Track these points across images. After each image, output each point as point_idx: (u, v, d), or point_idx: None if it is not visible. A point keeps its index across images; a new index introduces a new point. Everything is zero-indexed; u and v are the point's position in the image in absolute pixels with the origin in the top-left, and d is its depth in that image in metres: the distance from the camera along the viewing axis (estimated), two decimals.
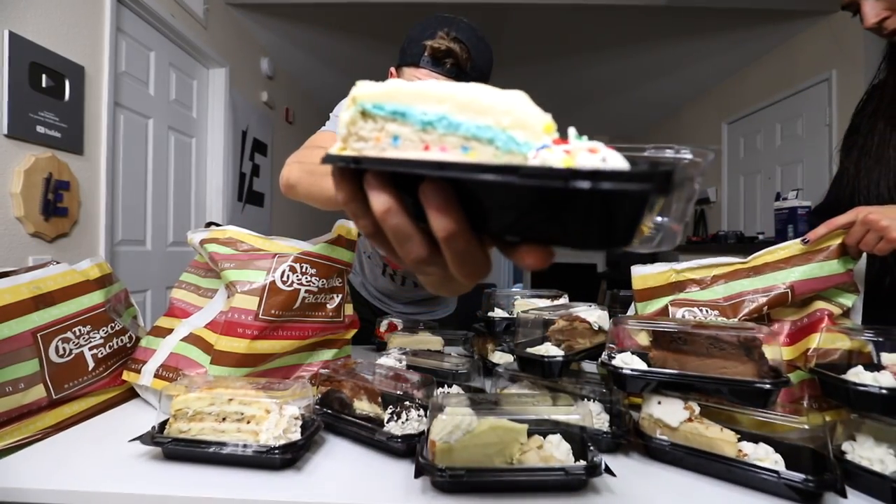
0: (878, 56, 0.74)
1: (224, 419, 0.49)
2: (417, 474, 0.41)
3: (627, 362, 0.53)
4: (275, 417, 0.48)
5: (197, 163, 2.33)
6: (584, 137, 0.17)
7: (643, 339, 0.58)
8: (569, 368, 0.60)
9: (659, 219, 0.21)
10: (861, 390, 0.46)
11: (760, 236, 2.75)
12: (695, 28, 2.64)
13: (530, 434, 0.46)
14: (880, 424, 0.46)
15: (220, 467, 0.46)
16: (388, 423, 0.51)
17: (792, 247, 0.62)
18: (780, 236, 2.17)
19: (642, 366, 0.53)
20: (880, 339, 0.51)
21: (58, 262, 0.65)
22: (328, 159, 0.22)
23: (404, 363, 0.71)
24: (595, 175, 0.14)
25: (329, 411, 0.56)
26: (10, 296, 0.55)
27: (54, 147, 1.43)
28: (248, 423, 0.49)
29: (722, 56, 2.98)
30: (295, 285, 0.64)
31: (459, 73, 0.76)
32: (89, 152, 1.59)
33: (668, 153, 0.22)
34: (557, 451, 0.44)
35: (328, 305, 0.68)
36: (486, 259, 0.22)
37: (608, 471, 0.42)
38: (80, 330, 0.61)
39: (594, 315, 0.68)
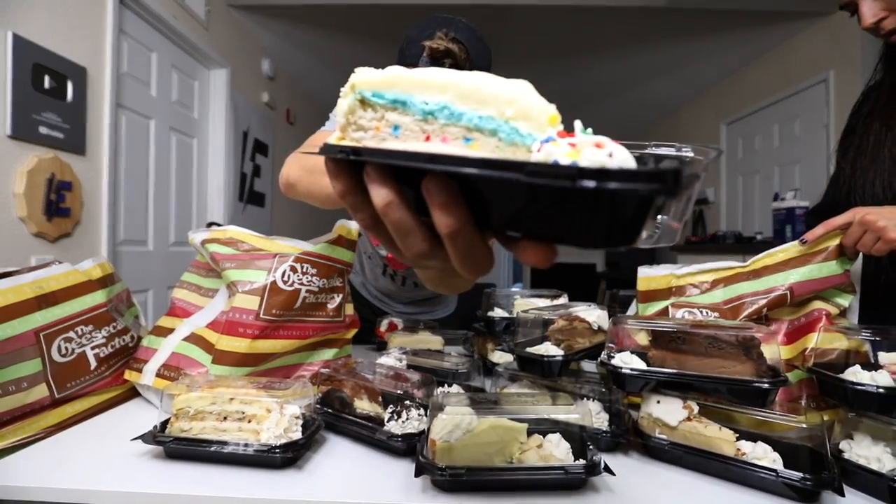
0: (875, 57, 0.74)
1: (225, 418, 0.49)
2: (418, 473, 0.42)
3: (627, 362, 0.53)
4: (276, 417, 0.49)
5: (198, 163, 2.33)
6: (590, 130, 0.17)
7: (642, 339, 0.58)
8: (568, 368, 0.60)
9: (659, 217, 0.21)
10: (858, 389, 0.46)
11: (759, 236, 2.76)
12: (694, 29, 2.64)
13: (530, 433, 0.46)
14: (877, 423, 0.46)
15: (221, 466, 0.47)
16: (388, 422, 0.51)
17: (790, 249, 0.62)
18: (778, 236, 2.18)
19: (641, 365, 0.53)
20: (877, 339, 0.51)
21: (60, 262, 0.65)
22: (326, 149, 0.22)
23: (404, 363, 0.71)
24: (603, 174, 0.14)
25: (330, 410, 0.56)
26: (12, 295, 0.56)
27: (57, 148, 1.44)
28: (250, 422, 0.49)
29: (720, 57, 2.99)
30: (296, 285, 0.64)
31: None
32: (91, 153, 1.60)
33: (669, 151, 0.22)
34: (557, 451, 0.44)
35: (329, 305, 0.68)
36: (490, 254, 0.22)
37: (607, 470, 0.42)
38: (82, 329, 0.61)
39: (593, 315, 0.68)
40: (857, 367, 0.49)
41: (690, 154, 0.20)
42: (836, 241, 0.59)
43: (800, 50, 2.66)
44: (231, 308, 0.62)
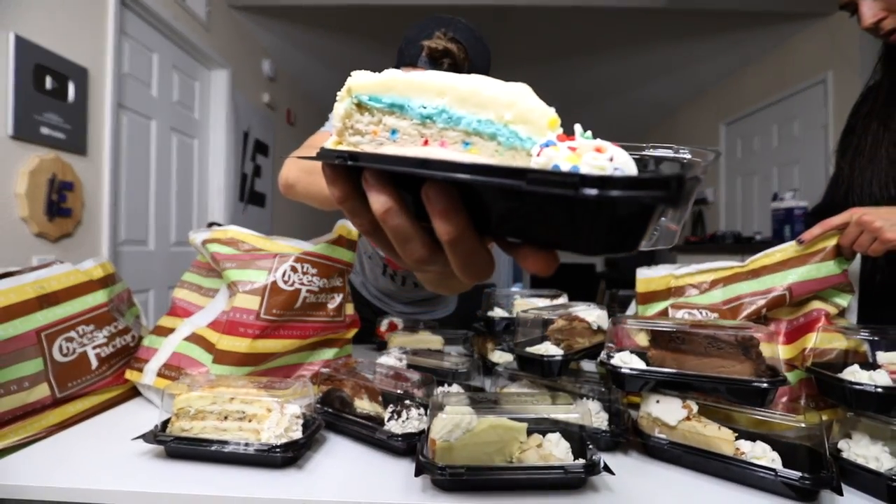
0: (873, 58, 0.74)
1: (226, 418, 0.49)
2: (418, 473, 0.42)
3: (626, 361, 0.53)
4: (276, 416, 0.49)
5: (199, 163, 2.34)
6: (589, 134, 0.17)
7: (642, 339, 0.58)
8: (568, 367, 0.60)
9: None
10: (857, 389, 0.46)
11: (758, 236, 2.76)
12: (693, 30, 2.64)
13: (530, 433, 0.46)
14: (876, 423, 0.46)
15: (221, 465, 0.47)
16: (388, 421, 0.51)
17: (788, 248, 0.63)
18: (777, 236, 2.18)
19: (641, 365, 0.53)
20: (876, 339, 0.51)
21: (61, 262, 0.65)
22: (323, 153, 0.21)
23: (405, 362, 0.72)
24: (605, 182, 0.14)
25: (330, 410, 0.56)
26: (14, 295, 0.56)
27: (58, 148, 1.44)
28: (250, 421, 0.49)
29: (720, 57, 2.99)
30: (296, 285, 0.64)
31: (457, 73, 0.76)
32: (93, 153, 1.60)
33: (667, 152, 0.22)
34: (556, 450, 0.45)
35: (329, 305, 0.69)
36: (490, 260, 0.21)
37: (607, 469, 0.43)
38: (83, 329, 0.62)
39: (593, 314, 0.69)
40: (856, 366, 0.49)
41: (688, 156, 0.20)
42: (833, 242, 0.60)
43: (798, 51, 2.67)
44: (232, 308, 0.62)
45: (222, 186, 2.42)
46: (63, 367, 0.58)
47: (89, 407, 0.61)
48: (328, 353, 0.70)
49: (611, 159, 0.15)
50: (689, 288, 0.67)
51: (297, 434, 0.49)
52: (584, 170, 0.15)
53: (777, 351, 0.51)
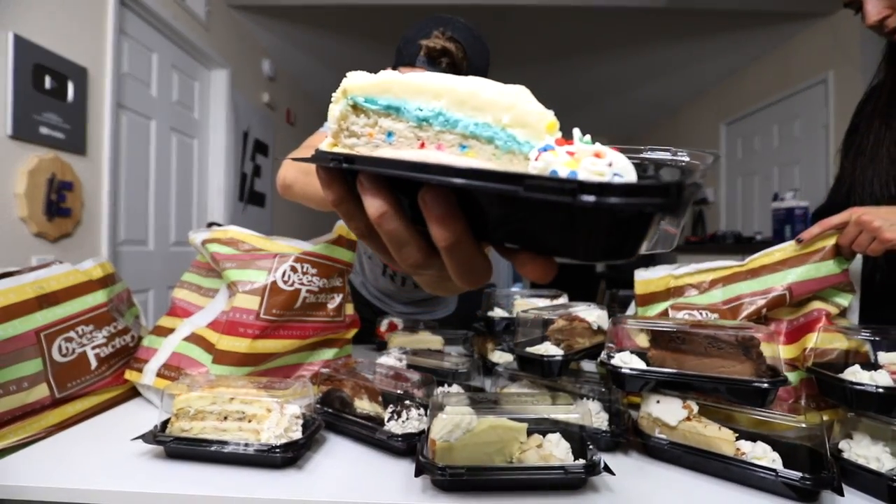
0: (874, 58, 0.74)
1: (225, 418, 0.49)
2: (418, 473, 0.42)
3: (626, 361, 0.53)
4: (276, 416, 0.49)
5: (199, 163, 2.33)
6: (588, 138, 0.17)
7: (642, 339, 0.58)
8: (568, 368, 0.60)
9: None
10: (858, 389, 0.46)
11: (758, 236, 2.76)
12: (693, 29, 2.64)
13: (530, 433, 0.46)
14: (877, 423, 0.46)
15: (221, 466, 0.47)
16: (388, 422, 0.51)
17: (787, 248, 0.63)
18: (778, 236, 2.19)
19: (641, 365, 0.53)
20: (877, 339, 0.51)
21: (61, 262, 0.65)
22: (318, 156, 0.21)
23: (404, 362, 0.72)
24: (603, 189, 0.13)
25: (330, 410, 0.56)
26: (13, 295, 0.56)
27: (57, 148, 1.44)
28: (250, 421, 0.49)
29: (720, 57, 2.99)
30: (296, 285, 0.64)
31: (456, 72, 0.76)
32: (92, 153, 1.60)
33: (665, 155, 0.22)
34: (557, 450, 0.44)
35: (329, 305, 0.69)
36: (488, 265, 0.21)
37: (607, 469, 0.43)
38: (82, 329, 0.62)
39: (593, 315, 0.68)
40: (857, 366, 0.49)
41: (687, 159, 0.20)
42: (832, 241, 0.59)
43: (799, 51, 2.67)
44: (231, 308, 0.62)
45: (222, 186, 2.42)
46: (62, 368, 0.58)
47: (89, 407, 0.61)
48: (328, 354, 0.70)
49: (610, 164, 0.15)
50: (688, 288, 0.66)
51: (297, 434, 0.49)
52: (583, 176, 0.15)
53: (777, 351, 0.51)
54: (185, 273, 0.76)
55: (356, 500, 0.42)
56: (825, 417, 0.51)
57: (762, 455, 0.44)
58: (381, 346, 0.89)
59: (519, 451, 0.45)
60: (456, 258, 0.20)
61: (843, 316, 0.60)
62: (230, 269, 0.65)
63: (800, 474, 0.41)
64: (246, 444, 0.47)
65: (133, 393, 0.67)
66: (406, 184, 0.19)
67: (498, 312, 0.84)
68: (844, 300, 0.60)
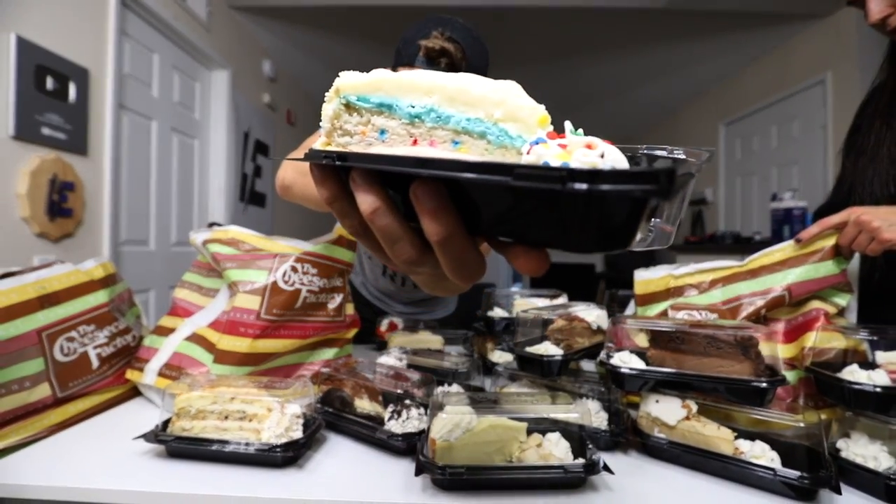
0: (872, 59, 0.74)
1: (226, 417, 0.50)
2: (418, 472, 0.42)
3: (626, 361, 0.54)
4: (276, 416, 0.49)
5: (200, 164, 2.34)
6: (580, 131, 0.16)
7: (641, 339, 0.58)
8: (567, 367, 0.60)
9: (652, 220, 0.21)
10: (856, 389, 0.46)
11: (757, 236, 2.76)
12: (692, 30, 2.65)
13: (529, 432, 0.46)
14: (874, 422, 0.46)
15: (222, 465, 0.47)
16: (388, 421, 0.52)
17: (787, 248, 0.63)
18: (776, 236, 2.19)
19: (640, 365, 0.53)
20: (875, 338, 0.52)
21: (62, 262, 0.66)
22: (311, 154, 0.21)
23: (405, 362, 0.72)
24: (594, 175, 0.13)
25: (330, 410, 0.56)
26: (15, 295, 0.56)
27: (59, 148, 1.45)
28: (250, 421, 0.49)
29: (719, 58, 3.00)
30: (296, 285, 0.64)
31: (455, 73, 0.76)
32: (93, 153, 1.60)
33: (661, 153, 0.22)
34: (556, 450, 0.45)
35: (329, 305, 0.69)
36: (481, 261, 0.21)
37: (606, 469, 0.43)
38: (84, 329, 0.62)
39: (593, 314, 0.69)
40: (855, 366, 0.49)
41: (682, 156, 0.20)
42: (832, 241, 0.60)
43: (797, 51, 2.67)
44: (232, 308, 0.62)
45: (223, 187, 2.42)
46: (64, 367, 0.58)
47: (90, 407, 0.61)
48: (328, 353, 0.70)
49: (602, 156, 0.15)
50: (688, 288, 0.67)
51: (298, 434, 0.49)
52: (575, 166, 0.14)
53: (776, 350, 0.51)
54: (186, 273, 0.76)
55: (356, 499, 0.42)
56: (823, 416, 0.51)
57: (761, 454, 0.44)
58: (382, 346, 0.89)
59: (519, 451, 0.45)
60: (449, 253, 0.19)
61: (841, 315, 0.61)
62: (231, 269, 0.65)
63: (798, 473, 0.41)
64: (247, 444, 0.47)
65: (134, 392, 0.67)
66: (398, 180, 0.19)
67: (498, 312, 0.84)
68: (843, 300, 0.60)
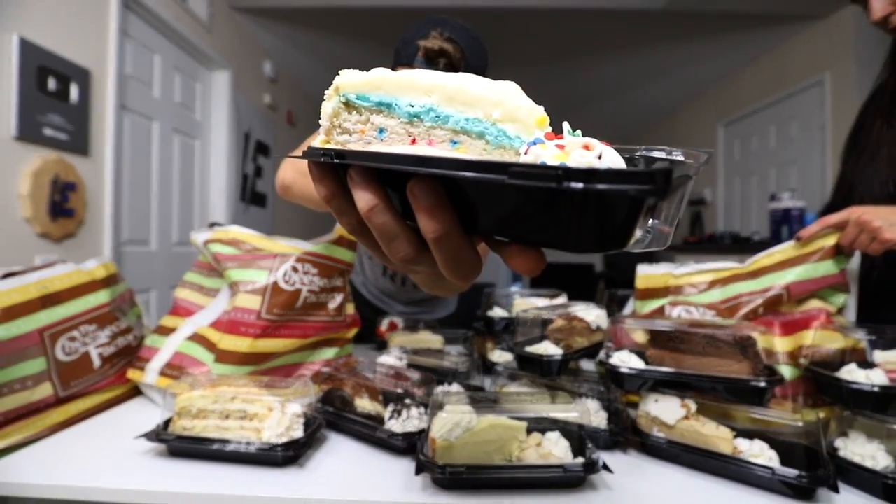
0: (870, 59, 0.74)
1: (227, 417, 0.50)
2: (418, 471, 0.42)
3: (625, 361, 0.54)
4: (277, 415, 0.49)
5: (201, 164, 2.34)
6: (578, 132, 0.17)
7: (641, 338, 0.59)
8: (567, 367, 0.60)
9: (650, 221, 0.21)
10: (854, 388, 0.46)
11: (755, 237, 2.76)
12: (691, 31, 2.65)
13: (529, 432, 0.46)
14: (872, 421, 0.47)
15: (223, 464, 0.47)
16: (388, 420, 0.52)
17: (787, 248, 0.63)
18: (775, 236, 2.19)
19: (640, 364, 0.53)
20: (873, 338, 0.52)
21: (64, 262, 0.66)
22: (309, 152, 0.21)
23: (405, 362, 0.72)
24: (590, 175, 0.13)
25: (331, 409, 0.57)
26: (17, 295, 0.56)
27: (61, 149, 1.45)
28: (251, 420, 0.49)
29: (718, 59, 3.00)
30: (297, 285, 0.65)
31: (453, 73, 0.76)
32: (95, 154, 1.61)
33: (659, 154, 0.22)
34: (556, 449, 0.45)
35: (330, 305, 0.69)
36: (477, 259, 0.21)
37: (606, 468, 0.43)
38: (86, 329, 0.62)
39: (592, 314, 0.69)
40: (853, 365, 0.49)
41: (681, 157, 0.20)
42: (831, 241, 0.60)
43: (796, 52, 2.67)
44: (233, 308, 0.62)
45: (224, 187, 2.42)
46: (66, 367, 0.59)
47: (92, 406, 0.61)
48: (329, 353, 0.71)
49: (599, 156, 0.15)
50: (687, 287, 0.67)
51: (298, 433, 0.49)
52: (571, 165, 0.14)
53: (773, 343, 0.51)
54: (187, 273, 0.76)
55: (357, 498, 0.42)
56: (821, 415, 0.52)
57: (759, 453, 0.45)
58: (382, 346, 0.90)
59: (518, 450, 0.45)
60: (445, 251, 0.20)
61: (840, 314, 0.61)
62: (232, 268, 0.66)
63: (796, 472, 0.41)
64: (247, 443, 0.47)
65: (136, 392, 0.68)
66: (396, 178, 0.19)
67: (497, 312, 0.84)
68: (842, 299, 0.60)
